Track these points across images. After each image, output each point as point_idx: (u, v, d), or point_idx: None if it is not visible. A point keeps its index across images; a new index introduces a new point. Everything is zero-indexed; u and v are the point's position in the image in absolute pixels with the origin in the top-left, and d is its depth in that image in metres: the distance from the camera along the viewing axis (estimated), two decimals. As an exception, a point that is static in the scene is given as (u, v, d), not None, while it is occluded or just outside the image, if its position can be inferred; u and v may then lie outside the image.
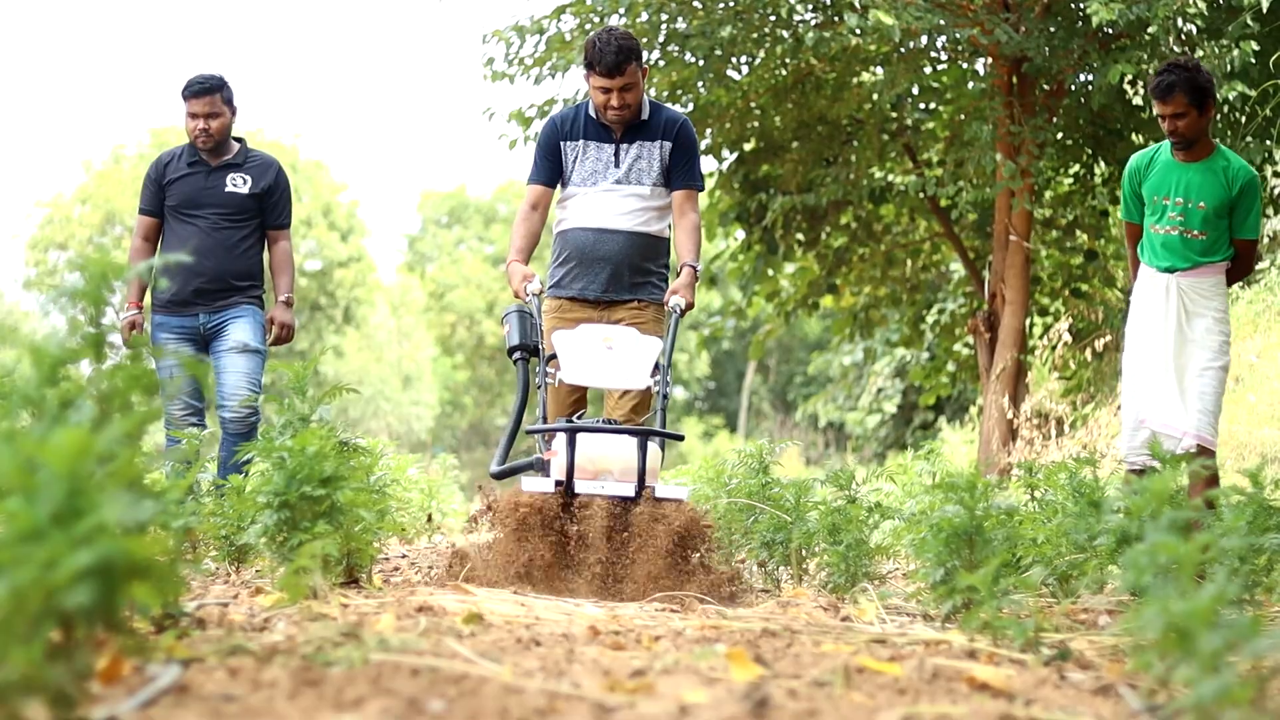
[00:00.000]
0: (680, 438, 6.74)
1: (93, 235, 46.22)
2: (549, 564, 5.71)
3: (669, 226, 7.40)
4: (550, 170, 7.35)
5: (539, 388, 6.68)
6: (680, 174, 7.29)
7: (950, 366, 20.23)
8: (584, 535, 5.76)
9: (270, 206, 8.57)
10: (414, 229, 65.98)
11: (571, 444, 5.88)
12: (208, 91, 8.36)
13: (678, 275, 7.14)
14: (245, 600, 4.84)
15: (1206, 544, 3.52)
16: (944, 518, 4.89)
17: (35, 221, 47.83)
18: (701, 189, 7.45)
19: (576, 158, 7.29)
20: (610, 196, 7.24)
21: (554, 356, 6.59)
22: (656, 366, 6.54)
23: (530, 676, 3.11)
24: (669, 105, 7.60)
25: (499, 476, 6.49)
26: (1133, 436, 7.46)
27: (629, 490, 5.82)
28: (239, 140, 8.53)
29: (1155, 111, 7.47)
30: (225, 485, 5.87)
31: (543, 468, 6.23)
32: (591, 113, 7.27)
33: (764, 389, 50.69)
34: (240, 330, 8.25)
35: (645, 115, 7.27)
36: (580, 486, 5.84)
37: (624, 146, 7.24)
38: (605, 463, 5.89)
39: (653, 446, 5.97)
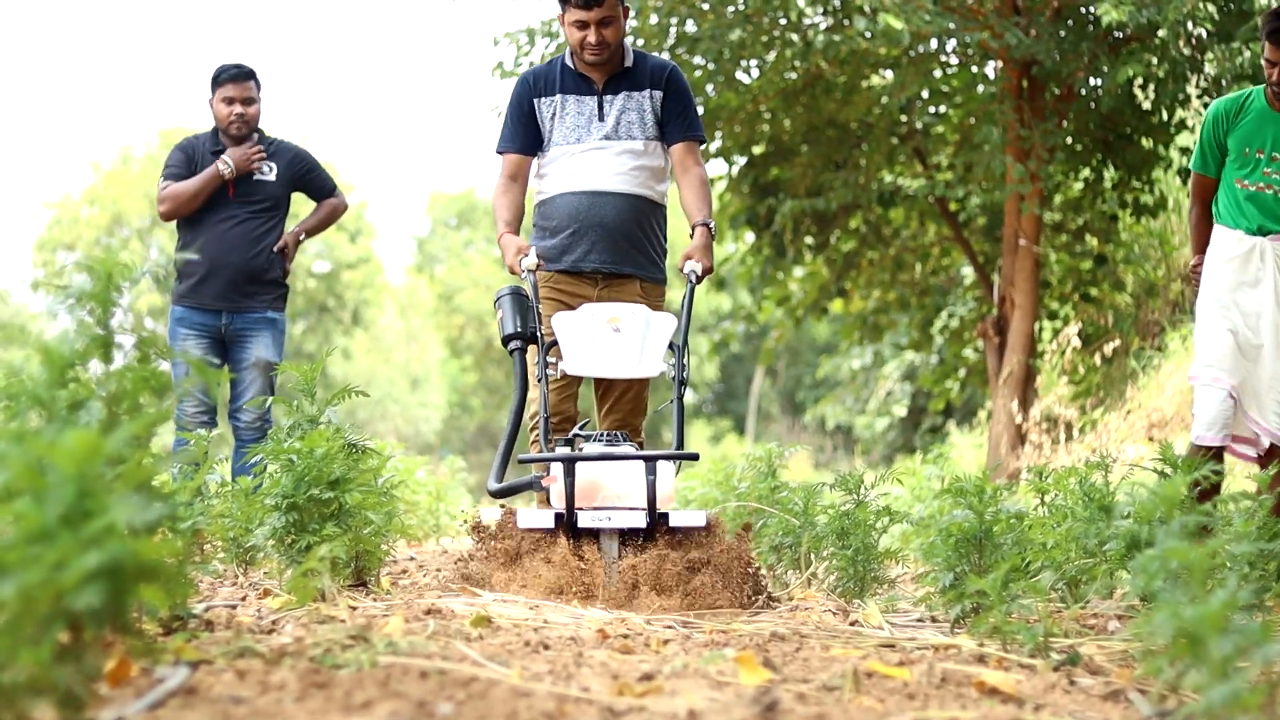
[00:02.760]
0: (694, 457, 5.73)
1: (100, 236, 46.29)
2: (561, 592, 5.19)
3: (665, 193, 6.72)
4: (526, 134, 6.61)
5: (539, 380, 5.99)
6: (677, 124, 6.56)
7: (959, 371, 20.22)
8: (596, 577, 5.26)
9: (310, 183, 8.58)
10: (423, 231, 66.01)
11: (570, 474, 5.33)
12: (246, 77, 8.29)
13: (691, 236, 6.41)
14: (253, 602, 4.85)
15: (1216, 549, 3.51)
16: (953, 522, 4.88)
17: (43, 222, 47.95)
18: (703, 140, 6.69)
19: (554, 114, 6.56)
20: (600, 155, 6.50)
21: (554, 344, 5.96)
22: (671, 348, 5.92)
23: (539, 679, 3.11)
24: (655, 54, 7.02)
25: (498, 495, 5.88)
26: (1219, 410, 6.55)
27: (639, 521, 5.32)
28: (257, 131, 8.46)
29: (1264, 57, 6.68)
30: (233, 486, 5.86)
31: (544, 490, 5.70)
32: (569, 62, 6.59)
33: (773, 392, 50.68)
34: (262, 346, 8.19)
35: (629, 63, 6.58)
36: (584, 519, 5.31)
37: (608, 98, 6.53)
38: (609, 489, 5.38)
39: (666, 468, 5.42)
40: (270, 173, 8.32)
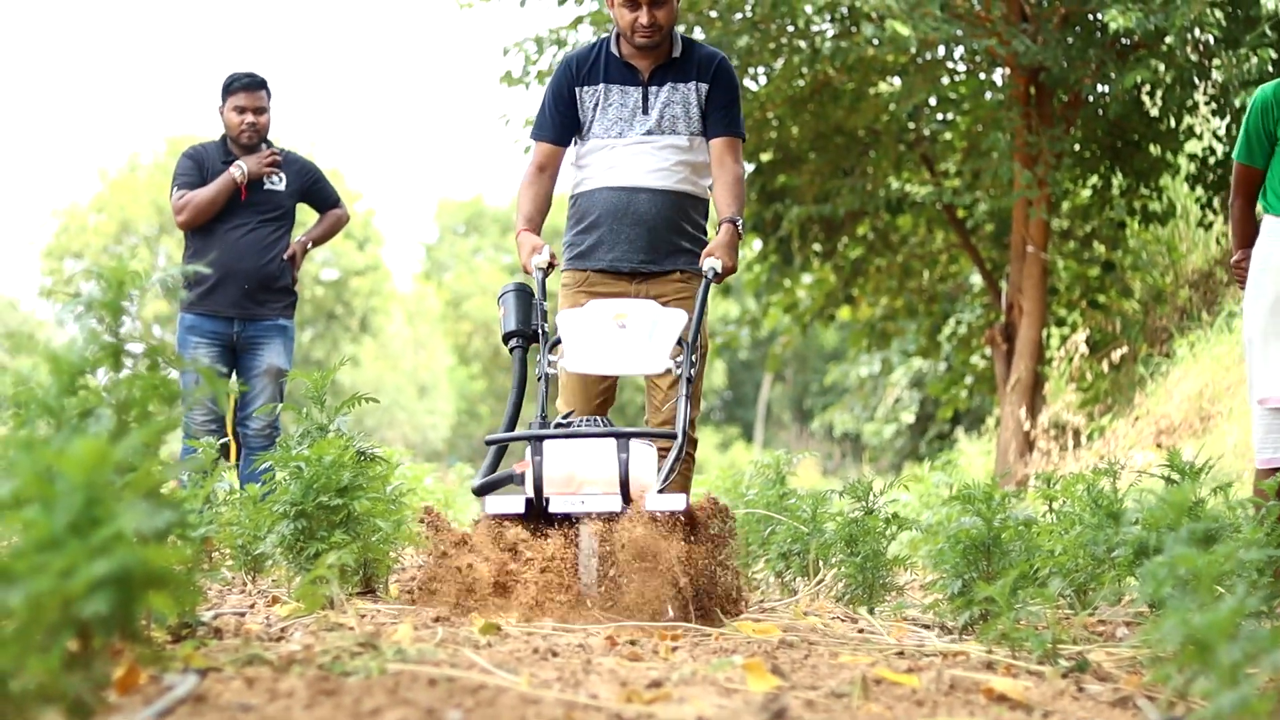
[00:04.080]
0: (671, 436, 5.40)
1: (108, 244, 46.34)
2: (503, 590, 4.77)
3: (709, 186, 6.40)
4: (563, 124, 6.31)
5: (539, 379, 5.67)
6: (719, 119, 6.27)
7: (967, 378, 20.21)
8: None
9: (316, 194, 8.61)
10: (431, 238, 66.02)
11: (538, 453, 4.97)
12: (258, 86, 8.31)
13: (717, 231, 6.14)
14: (262, 609, 4.84)
15: (1225, 556, 3.50)
16: (962, 529, 4.88)
17: (51, 230, 48.01)
18: (743, 138, 6.39)
19: (597, 105, 6.25)
20: (642, 151, 6.21)
21: (559, 341, 5.68)
22: (680, 344, 5.55)
23: (547, 687, 3.11)
24: (705, 44, 6.69)
25: (480, 492, 5.44)
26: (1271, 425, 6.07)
27: (615, 504, 4.88)
28: (266, 141, 8.48)
29: None
30: (242, 493, 5.86)
31: (522, 481, 5.19)
32: (614, 49, 6.27)
33: (782, 399, 50.65)
34: (273, 354, 8.21)
35: (677, 52, 6.28)
36: (556, 504, 4.92)
37: (653, 90, 6.24)
38: (585, 473, 4.96)
39: (643, 448, 5.04)
40: (280, 182, 8.33)
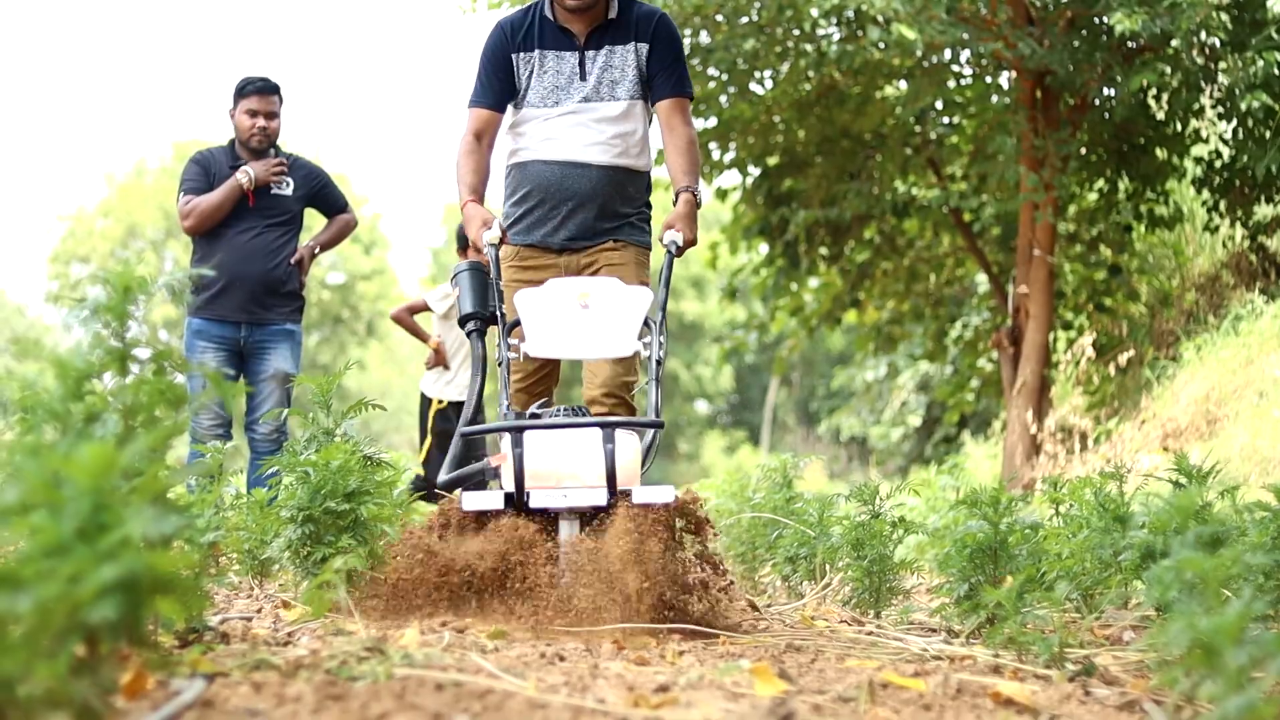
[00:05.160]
0: (658, 425, 5.03)
1: (114, 249, 46.41)
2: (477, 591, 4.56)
3: (652, 161, 6.16)
4: (499, 88, 6.00)
5: (499, 364, 5.35)
6: (664, 80, 5.96)
7: (973, 381, 20.21)
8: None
9: (324, 199, 8.62)
10: (438, 242, 66.03)
11: (518, 444, 4.68)
12: (270, 91, 8.33)
13: (674, 203, 5.84)
14: (269, 614, 4.84)
15: (1232, 560, 3.50)
16: (968, 532, 4.87)
17: (57, 235, 48.10)
18: (691, 97, 6.07)
19: (532, 72, 5.97)
20: (577, 121, 5.93)
21: (517, 324, 5.33)
22: (646, 325, 5.27)
23: (555, 691, 3.11)
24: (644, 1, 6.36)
25: (448, 487, 5.20)
26: None
27: (600, 498, 4.64)
28: (275, 146, 8.47)
29: None
30: (249, 498, 5.86)
31: (497, 475, 4.94)
32: (547, 12, 5.99)
33: (788, 402, 50.65)
34: (280, 358, 8.22)
35: (614, 13, 5.98)
36: (537, 498, 4.64)
37: (590, 54, 5.95)
38: (567, 466, 4.69)
39: (628, 438, 4.78)
40: (288, 187, 8.33)
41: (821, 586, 6.23)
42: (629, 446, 4.74)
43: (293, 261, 8.27)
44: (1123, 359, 15.60)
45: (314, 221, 8.87)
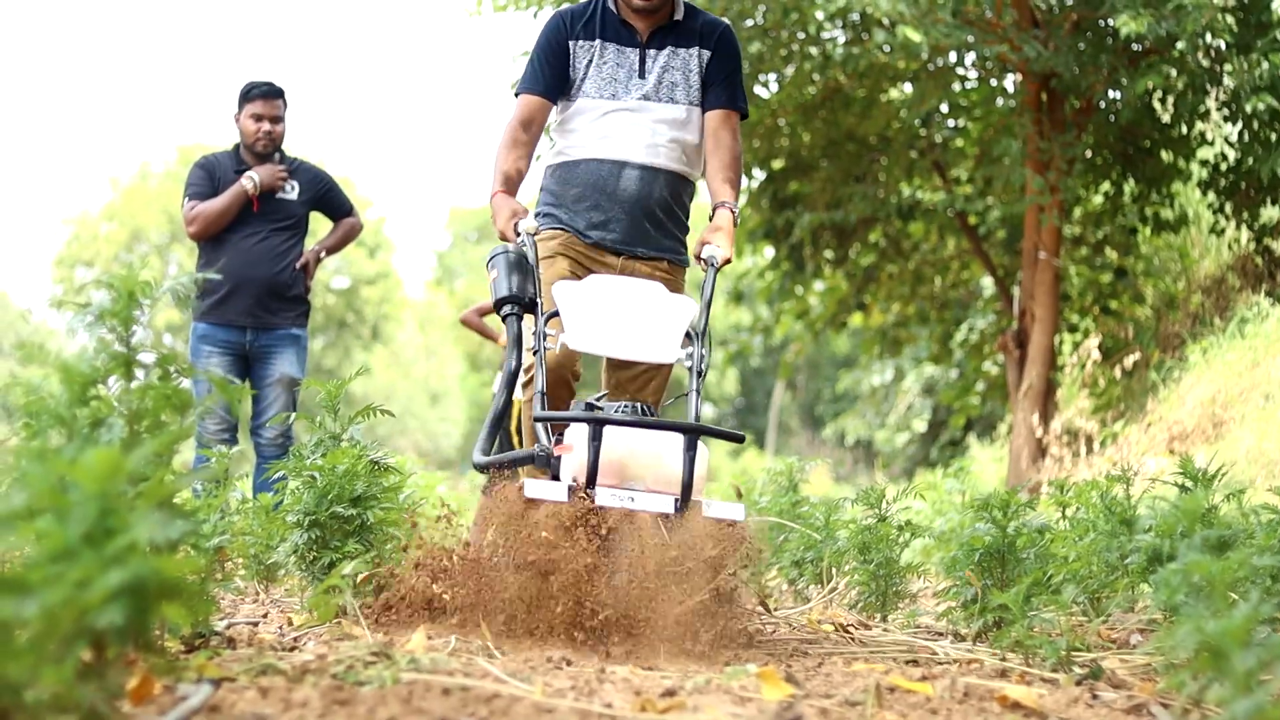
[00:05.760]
0: (740, 438, 4.75)
1: (119, 253, 46.44)
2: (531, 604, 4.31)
3: (700, 170, 5.88)
4: (553, 77, 5.74)
5: (534, 353, 5.12)
6: (719, 90, 5.75)
7: (979, 385, 20.20)
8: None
9: (329, 203, 8.61)
10: (443, 245, 66.11)
11: (596, 438, 4.38)
12: (276, 95, 8.33)
13: (711, 218, 5.60)
14: (275, 619, 4.84)
15: (1239, 563, 3.49)
16: (975, 536, 4.87)
17: (62, 239, 48.17)
18: (745, 114, 5.86)
19: (590, 62, 5.73)
20: (636, 119, 5.69)
21: (555, 314, 5.09)
22: (688, 336, 5.07)
23: (561, 696, 3.11)
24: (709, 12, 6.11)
25: (484, 469, 5.05)
26: None
27: (668, 505, 4.33)
28: (280, 152, 8.47)
29: None
30: (254, 503, 5.85)
31: (548, 464, 4.75)
32: (611, 5, 5.77)
33: (793, 406, 50.63)
34: (286, 362, 8.21)
35: (679, 15, 5.79)
36: (602, 497, 4.32)
37: (651, 52, 5.73)
38: (635, 466, 4.41)
39: (703, 449, 4.47)
40: (293, 191, 8.33)
41: (828, 590, 6.22)
42: (704, 458, 4.48)
43: (298, 266, 8.26)
44: (1128, 362, 15.58)
45: (319, 225, 8.86)
